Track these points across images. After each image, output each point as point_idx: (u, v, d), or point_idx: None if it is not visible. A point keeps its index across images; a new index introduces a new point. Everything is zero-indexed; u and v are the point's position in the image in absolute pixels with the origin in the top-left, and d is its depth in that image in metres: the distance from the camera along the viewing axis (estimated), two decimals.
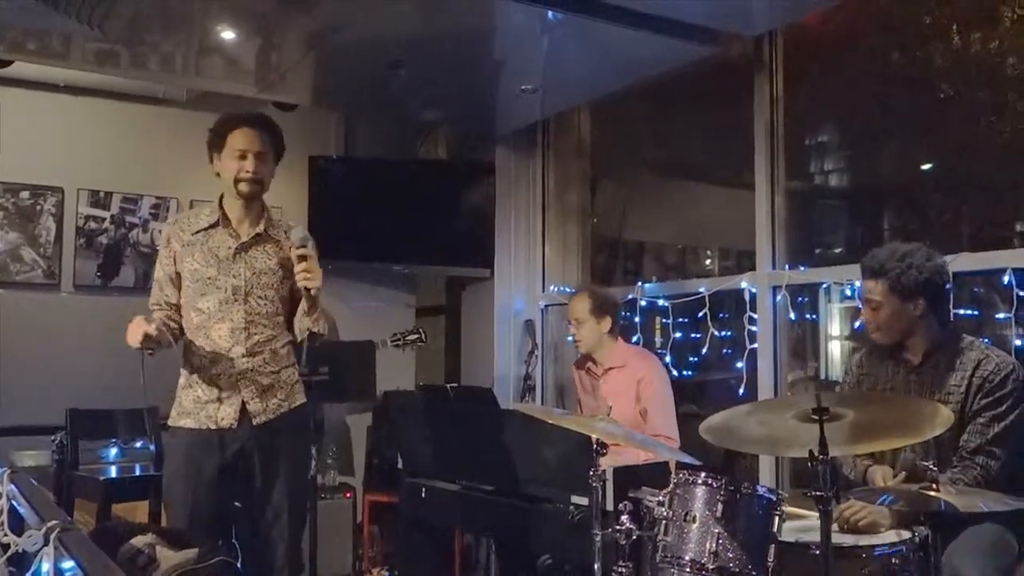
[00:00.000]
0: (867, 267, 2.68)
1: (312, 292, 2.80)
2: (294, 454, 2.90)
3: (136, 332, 2.69)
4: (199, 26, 3.72)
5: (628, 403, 3.71)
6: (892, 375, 2.75)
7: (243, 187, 2.90)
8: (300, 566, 2.97)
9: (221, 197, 2.99)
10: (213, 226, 2.93)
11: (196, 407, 2.87)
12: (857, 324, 3.43)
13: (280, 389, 2.93)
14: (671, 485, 2.43)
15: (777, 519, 2.32)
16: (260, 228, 2.95)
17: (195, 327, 2.90)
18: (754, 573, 2.27)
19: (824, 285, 3.83)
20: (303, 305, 2.88)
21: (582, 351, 3.91)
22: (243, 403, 2.87)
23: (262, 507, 2.91)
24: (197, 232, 2.93)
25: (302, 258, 2.78)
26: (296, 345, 3.01)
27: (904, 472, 2.65)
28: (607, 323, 3.81)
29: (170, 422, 2.95)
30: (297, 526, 2.95)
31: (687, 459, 2.63)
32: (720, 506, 2.32)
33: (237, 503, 3.00)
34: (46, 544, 1.40)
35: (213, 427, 2.86)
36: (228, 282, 2.88)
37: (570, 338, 4.92)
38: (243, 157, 2.89)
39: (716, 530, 2.30)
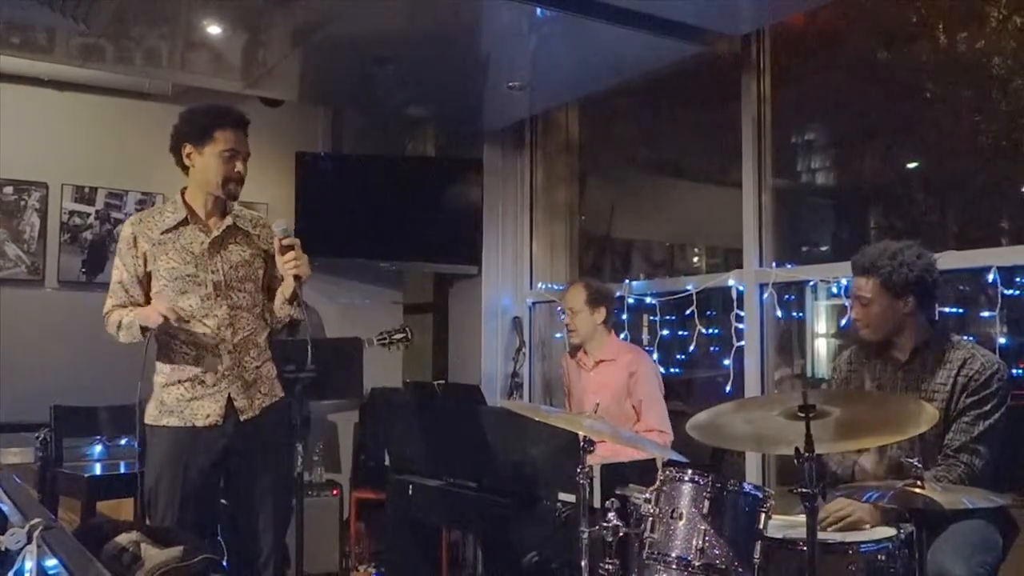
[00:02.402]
0: (858, 264, 2.70)
1: (303, 279, 2.79)
2: (279, 449, 2.88)
3: (156, 312, 2.69)
4: (185, 21, 3.70)
5: (618, 397, 3.73)
6: (879, 373, 2.77)
7: (233, 187, 2.88)
8: (286, 562, 2.96)
9: (183, 192, 2.93)
10: (182, 223, 2.88)
11: (180, 405, 2.84)
12: (843, 322, 3.45)
13: (263, 383, 2.93)
14: (658, 482, 2.43)
15: (763, 516, 2.33)
16: (229, 221, 2.92)
17: (176, 326, 2.83)
18: (740, 570, 2.28)
19: (811, 283, 3.85)
20: (285, 293, 2.87)
21: (575, 341, 3.93)
22: (229, 399, 2.85)
23: (248, 503, 2.88)
24: (167, 231, 2.87)
25: (288, 248, 2.78)
26: (272, 335, 2.99)
27: (885, 474, 2.67)
28: (601, 314, 3.83)
29: (150, 421, 2.87)
30: (283, 521, 2.93)
31: (674, 456, 2.64)
32: (707, 503, 2.33)
33: (223, 500, 2.98)
34: (29, 542, 1.39)
35: (199, 424, 2.83)
36: (208, 278, 2.85)
37: (558, 336, 4.94)
38: (233, 158, 2.85)
39: (703, 527, 2.31)
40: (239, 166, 2.86)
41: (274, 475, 2.89)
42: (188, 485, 2.81)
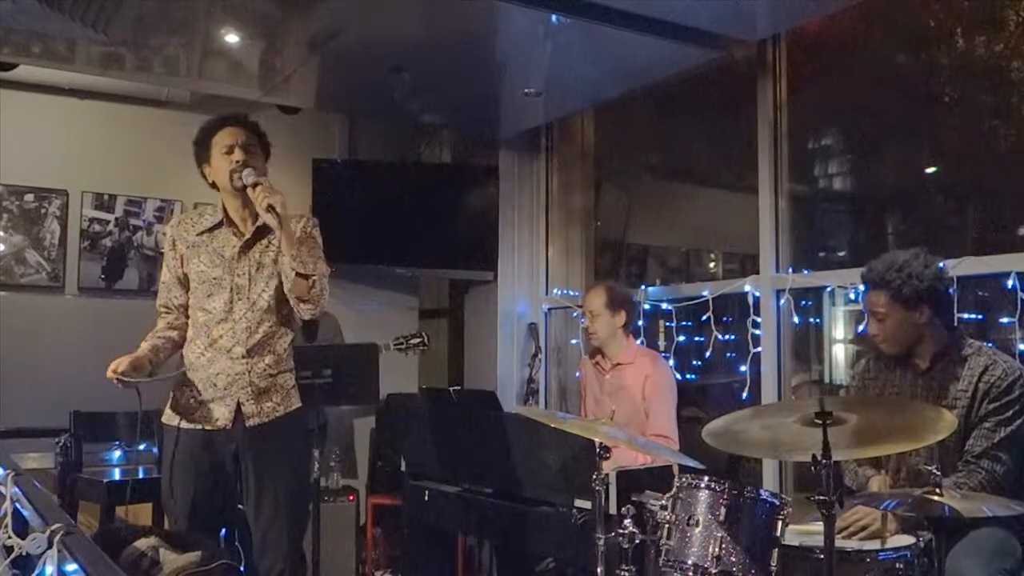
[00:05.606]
0: (867, 280, 2.69)
1: (278, 210, 2.71)
2: (289, 457, 2.89)
3: (113, 367, 2.73)
4: (203, 29, 3.73)
5: (633, 400, 3.73)
6: (899, 380, 2.75)
7: (238, 178, 2.83)
8: (301, 569, 2.96)
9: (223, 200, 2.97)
10: (217, 226, 2.92)
11: (191, 406, 2.85)
12: (861, 327, 3.43)
13: (276, 393, 2.89)
14: (674, 489, 2.43)
15: (780, 523, 2.31)
16: (260, 222, 2.90)
17: (200, 326, 2.88)
18: None
19: (828, 288, 3.83)
20: (282, 245, 2.76)
21: (595, 344, 3.93)
22: (238, 404, 2.83)
23: (258, 510, 2.86)
24: (202, 233, 2.92)
25: (254, 185, 2.75)
26: (306, 325, 2.95)
27: (904, 481, 2.65)
28: (621, 318, 3.83)
29: (165, 420, 2.90)
30: (296, 530, 2.92)
31: (690, 462, 2.63)
32: (723, 510, 2.32)
33: (240, 505, 2.98)
34: (50, 547, 1.40)
35: (208, 427, 2.83)
36: (232, 281, 2.87)
37: (574, 341, 4.94)
38: (230, 152, 2.86)
39: (719, 534, 2.30)
40: (237, 155, 2.85)
41: (285, 484, 2.87)
42: (198, 486, 2.82)
